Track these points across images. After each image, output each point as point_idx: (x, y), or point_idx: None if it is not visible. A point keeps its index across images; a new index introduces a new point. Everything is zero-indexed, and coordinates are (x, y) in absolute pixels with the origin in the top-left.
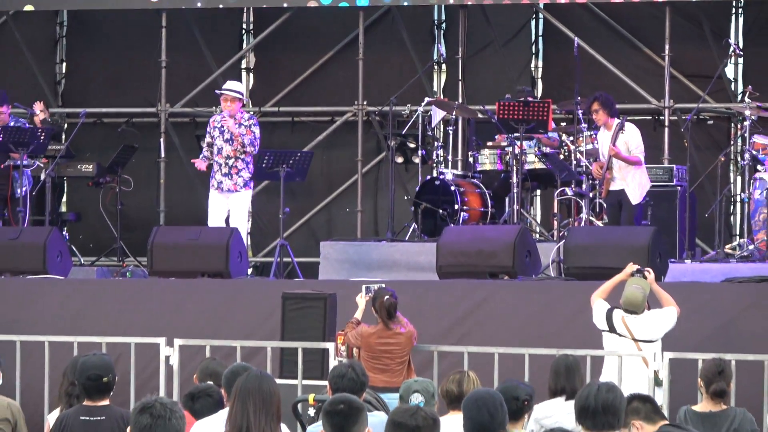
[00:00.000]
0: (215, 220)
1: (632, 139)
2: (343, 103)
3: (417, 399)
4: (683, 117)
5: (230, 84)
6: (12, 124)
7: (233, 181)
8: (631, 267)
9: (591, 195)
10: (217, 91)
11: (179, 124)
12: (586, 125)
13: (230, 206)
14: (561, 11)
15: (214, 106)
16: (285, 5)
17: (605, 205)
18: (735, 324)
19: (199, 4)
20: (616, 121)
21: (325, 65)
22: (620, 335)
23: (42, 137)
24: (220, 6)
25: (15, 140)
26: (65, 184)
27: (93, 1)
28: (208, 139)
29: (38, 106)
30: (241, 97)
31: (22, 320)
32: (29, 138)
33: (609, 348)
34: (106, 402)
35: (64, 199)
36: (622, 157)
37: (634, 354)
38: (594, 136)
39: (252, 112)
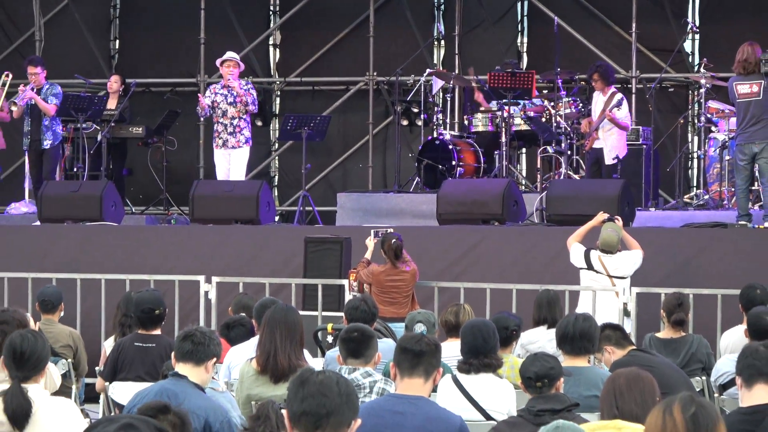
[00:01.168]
0: (221, 174)
1: (620, 111)
2: (356, 74)
3: (420, 328)
4: (648, 85)
5: (230, 54)
6: (47, 86)
7: (236, 138)
8: (602, 215)
9: (569, 152)
10: (218, 60)
11: None
12: (564, 92)
13: (231, 160)
14: None
15: (247, 76)
16: None
17: (585, 160)
18: (692, 263)
19: None
20: (613, 89)
21: (341, 41)
22: (597, 272)
23: (98, 104)
24: None
25: (75, 106)
26: (126, 146)
27: None
28: (207, 101)
29: (114, 86)
30: (240, 63)
31: (81, 261)
32: (87, 104)
33: (585, 284)
34: (157, 331)
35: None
36: (617, 122)
37: (607, 289)
38: (572, 101)
39: (280, 81)
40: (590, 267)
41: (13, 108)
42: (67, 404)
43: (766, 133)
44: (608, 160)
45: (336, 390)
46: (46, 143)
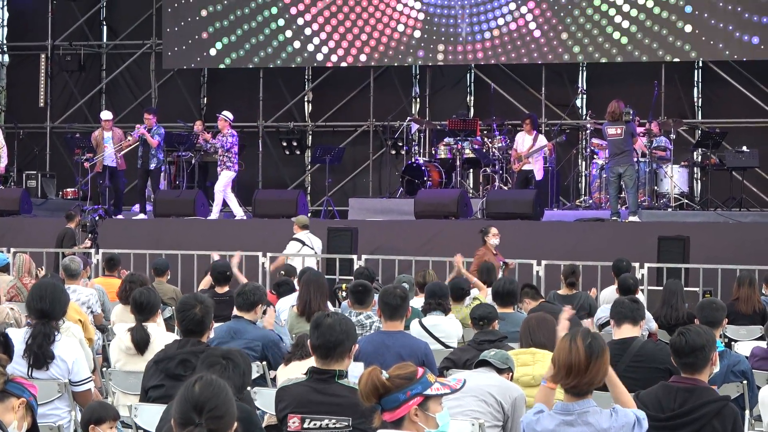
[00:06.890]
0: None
1: (541, 143)
2: (361, 119)
3: (404, 284)
4: (553, 128)
5: (224, 113)
6: (155, 127)
7: (220, 167)
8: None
9: (501, 172)
10: (217, 114)
11: (269, 132)
12: (497, 132)
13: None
14: (484, 68)
15: (291, 122)
16: (329, 65)
17: (515, 177)
18: (582, 243)
19: (279, 63)
20: (535, 133)
21: (351, 99)
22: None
23: (192, 139)
24: (293, 65)
25: (177, 141)
26: (208, 167)
27: (222, 62)
28: (210, 136)
29: (199, 127)
30: (226, 119)
31: (181, 242)
32: (185, 140)
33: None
34: (227, 288)
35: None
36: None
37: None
38: (502, 138)
39: (311, 124)
40: None
41: (129, 137)
42: (173, 336)
43: (627, 160)
44: (538, 176)
45: (338, 329)
46: (152, 165)
